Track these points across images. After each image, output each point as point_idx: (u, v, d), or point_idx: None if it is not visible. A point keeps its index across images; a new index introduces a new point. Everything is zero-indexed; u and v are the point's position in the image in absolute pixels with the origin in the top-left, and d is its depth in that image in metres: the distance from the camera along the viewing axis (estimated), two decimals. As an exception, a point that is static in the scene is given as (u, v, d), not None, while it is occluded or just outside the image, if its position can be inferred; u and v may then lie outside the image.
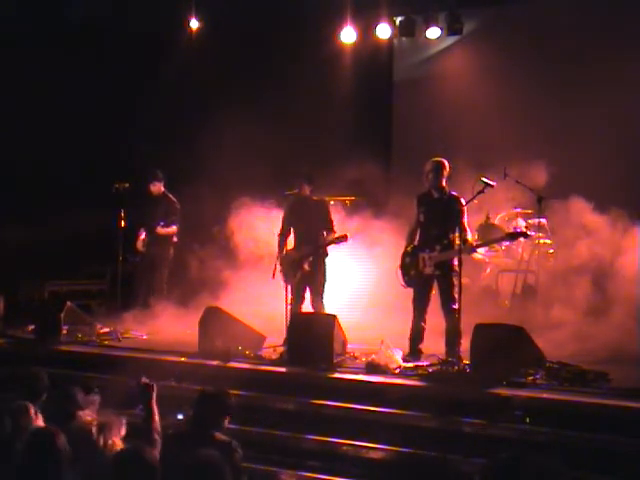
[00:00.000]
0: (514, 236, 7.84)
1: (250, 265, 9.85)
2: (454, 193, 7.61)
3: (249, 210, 9.63)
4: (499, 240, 8.07)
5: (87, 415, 4.62)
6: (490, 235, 9.14)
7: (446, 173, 7.58)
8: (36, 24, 11.56)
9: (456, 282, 7.37)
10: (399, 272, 7.79)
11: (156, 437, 4.75)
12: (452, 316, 7.39)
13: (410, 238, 7.78)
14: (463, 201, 7.52)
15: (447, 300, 7.51)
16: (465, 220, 7.52)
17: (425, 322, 7.69)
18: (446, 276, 7.52)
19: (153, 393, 4.97)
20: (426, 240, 7.61)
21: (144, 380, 5.04)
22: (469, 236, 7.56)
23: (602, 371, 6.79)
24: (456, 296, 7.33)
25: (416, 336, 7.69)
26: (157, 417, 4.91)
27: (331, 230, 8.25)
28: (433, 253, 7.51)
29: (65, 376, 7.36)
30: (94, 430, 3.99)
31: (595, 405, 6.07)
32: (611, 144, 10.10)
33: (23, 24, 11.51)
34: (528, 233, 7.83)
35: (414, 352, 7.63)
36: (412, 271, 7.68)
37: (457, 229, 7.43)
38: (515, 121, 10.48)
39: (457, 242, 7.43)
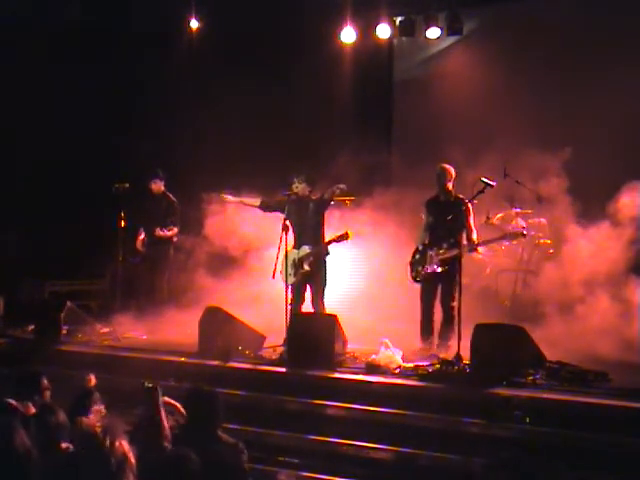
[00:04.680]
0: (513, 236, 8.24)
1: (248, 264, 9.85)
2: (460, 196, 8.00)
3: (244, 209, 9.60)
4: (499, 239, 8.33)
5: (91, 418, 4.56)
6: (490, 235, 9.18)
7: (450, 177, 8.04)
8: (36, 24, 11.55)
9: (458, 280, 7.59)
10: (408, 268, 8.18)
11: (165, 444, 4.58)
12: (449, 312, 7.76)
13: (420, 239, 8.21)
14: (469, 203, 7.89)
15: (447, 297, 7.87)
16: (471, 220, 7.98)
17: (433, 315, 7.99)
18: (450, 273, 7.82)
19: (158, 396, 4.83)
20: (434, 240, 8.04)
21: (147, 384, 4.91)
22: (474, 235, 7.96)
23: (602, 371, 6.80)
24: (456, 295, 7.55)
25: (425, 327, 7.97)
26: (165, 422, 4.72)
27: (320, 229, 8.38)
28: (440, 251, 7.91)
29: (65, 376, 7.35)
30: (99, 432, 3.94)
31: (595, 405, 6.08)
32: (613, 144, 10.08)
33: (23, 23, 11.50)
34: (524, 233, 8.25)
35: (426, 342, 7.84)
36: (420, 267, 8.08)
37: (464, 229, 7.87)
38: (515, 120, 10.46)
39: (464, 241, 7.86)
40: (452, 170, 8.09)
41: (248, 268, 9.85)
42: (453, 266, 7.72)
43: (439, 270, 7.90)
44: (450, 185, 8.06)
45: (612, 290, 8.26)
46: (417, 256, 8.14)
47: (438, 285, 7.99)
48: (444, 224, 7.88)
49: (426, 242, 8.13)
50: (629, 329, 7.90)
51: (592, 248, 8.48)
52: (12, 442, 3.92)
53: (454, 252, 7.76)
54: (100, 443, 3.70)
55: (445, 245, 7.88)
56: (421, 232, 8.27)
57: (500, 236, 8.27)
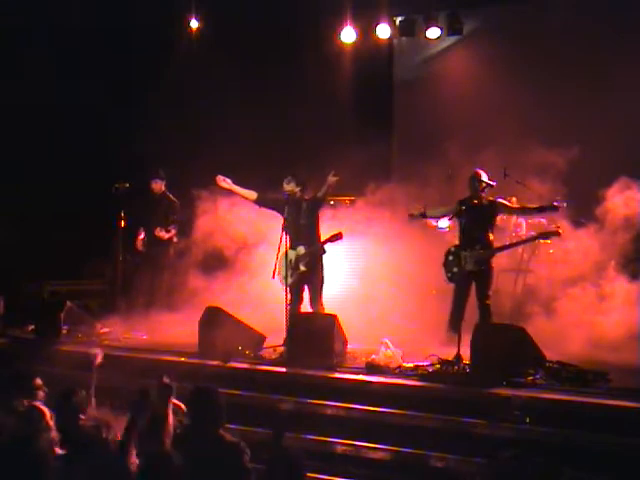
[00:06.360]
0: (548, 234, 8.41)
1: (247, 263, 9.84)
2: (490, 198, 8.25)
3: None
4: (534, 238, 8.65)
5: (92, 416, 4.54)
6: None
7: (482, 181, 8.19)
8: (36, 23, 11.54)
9: (492, 280, 8.09)
10: (443, 269, 8.34)
11: (167, 441, 4.63)
12: (487, 309, 7.93)
13: (437, 211, 8.56)
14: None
15: (482, 296, 8.03)
16: None
17: (464, 313, 8.03)
18: (484, 273, 8.10)
19: (172, 395, 4.88)
20: (468, 240, 8.23)
21: (165, 380, 4.95)
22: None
23: (602, 371, 6.80)
24: (490, 293, 8.04)
25: (454, 323, 7.98)
26: (171, 420, 4.78)
27: (315, 229, 8.39)
28: (473, 252, 8.10)
29: (65, 376, 7.35)
30: (104, 429, 3.91)
31: (595, 405, 6.07)
32: (613, 143, 10.08)
33: (24, 23, 11.49)
34: (560, 232, 8.28)
35: (451, 333, 7.85)
36: (455, 268, 8.22)
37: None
38: (515, 120, 10.46)
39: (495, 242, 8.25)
40: (482, 174, 8.26)
41: (248, 268, 9.84)
42: (486, 265, 8.04)
43: (476, 269, 8.05)
44: (482, 188, 8.21)
45: (610, 290, 8.27)
46: (450, 257, 8.27)
47: (472, 284, 8.12)
48: (477, 226, 8.08)
49: (457, 243, 8.32)
50: (627, 329, 7.91)
51: (590, 247, 8.50)
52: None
53: (488, 252, 8.07)
54: (104, 438, 3.67)
55: (478, 246, 8.07)
56: (438, 209, 8.54)
57: (536, 235, 8.54)
